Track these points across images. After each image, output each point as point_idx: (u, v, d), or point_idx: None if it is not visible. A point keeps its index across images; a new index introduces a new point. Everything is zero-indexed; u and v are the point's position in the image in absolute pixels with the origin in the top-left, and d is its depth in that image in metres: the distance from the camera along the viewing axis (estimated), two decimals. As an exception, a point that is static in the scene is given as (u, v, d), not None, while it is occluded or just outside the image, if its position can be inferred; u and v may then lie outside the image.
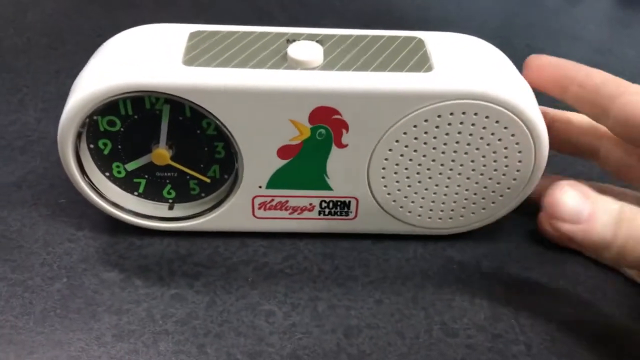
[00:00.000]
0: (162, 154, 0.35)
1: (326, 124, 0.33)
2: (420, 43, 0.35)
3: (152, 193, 0.37)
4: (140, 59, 0.33)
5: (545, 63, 0.35)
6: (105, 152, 0.35)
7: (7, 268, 0.35)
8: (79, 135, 0.34)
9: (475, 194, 0.36)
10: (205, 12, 0.64)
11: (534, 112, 0.33)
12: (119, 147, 0.35)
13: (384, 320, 0.34)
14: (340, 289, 0.36)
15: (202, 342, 0.32)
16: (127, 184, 0.37)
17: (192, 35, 0.34)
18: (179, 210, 0.37)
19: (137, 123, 0.34)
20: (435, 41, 0.35)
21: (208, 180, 0.36)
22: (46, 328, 0.32)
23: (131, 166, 0.36)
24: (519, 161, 0.34)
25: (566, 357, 0.33)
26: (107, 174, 0.36)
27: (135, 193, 0.37)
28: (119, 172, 0.36)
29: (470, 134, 0.33)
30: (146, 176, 0.36)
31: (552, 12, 0.67)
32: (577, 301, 0.36)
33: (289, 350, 0.32)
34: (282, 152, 0.34)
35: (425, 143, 0.34)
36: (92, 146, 0.35)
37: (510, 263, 0.38)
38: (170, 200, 0.37)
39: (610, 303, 0.36)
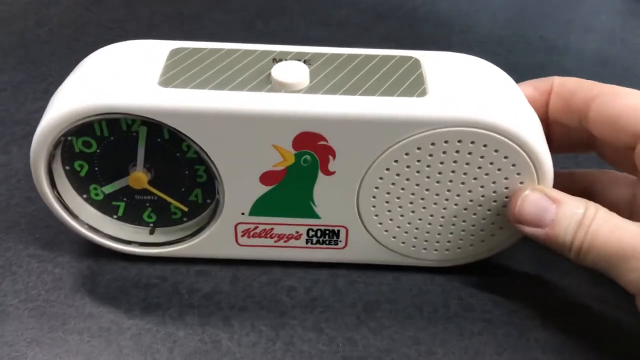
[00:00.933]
0: (139, 177, 0.33)
1: (311, 150, 0.31)
2: (416, 64, 0.32)
3: (132, 216, 0.35)
4: (116, 78, 0.31)
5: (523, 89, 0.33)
6: (82, 174, 0.34)
7: (37, 245, 0.37)
8: (52, 157, 0.32)
9: (473, 225, 0.33)
10: (222, 5, 0.63)
11: (537, 141, 0.31)
12: (96, 169, 0.33)
13: (402, 296, 0.35)
14: (359, 266, 0.36)
15: (227, 315, 0.33)
16: (105, 207, 0.35)
17: (173, 53, 0.32)
18: (160, 235, 0.36)
19: (113, 145, 0.32)
20: (432, 62, 0.33)
21: (185, 209, 0.34)
22: (77, 301, 0.34)
23: (109, 189, 0.34)
24: (521, 192, 0.32)
25: (581, 332, 0.33)
26: (85, 196, 0.35)
27: (115, 216, 0.35)
28: (97, 195, 0.34)
29: (467, 163, 0.31)
30: (125, 199, 0.35)
31: (564, 3, 0.66)
32: (593, 278, 0.36)
33: (311, 322, 0.33)
34: (265, 178, 0.32)
35: (418, 172, 0.31)
36: (67, 168, 0.33)
37: (526, 242, 0.36)
38: (151, 225, 0.36)
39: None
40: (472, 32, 0.60)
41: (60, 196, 0.33)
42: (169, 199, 0.34)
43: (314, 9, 0.63)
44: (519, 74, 0.35)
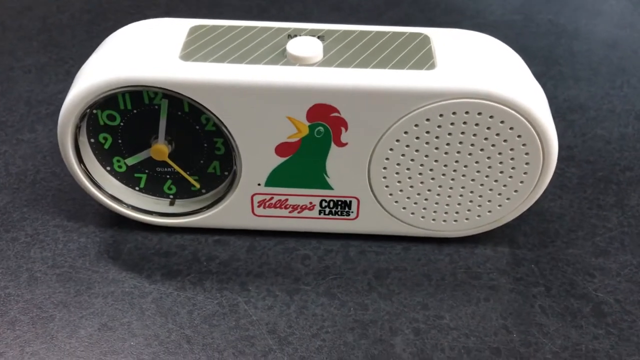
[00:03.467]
0: (160, 149, 0.34)
1: (325, 122, 0.32)
2: (426, 40, 0.34)
3: (153, 188, 0.37)
4: (139, 53, 0.33)
5: None
6: (106, 146, 0.35)
7: (63, 216, 0.39)
8: (78, 129, 0.34)
9: (480, 196, 0.35)
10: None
11: (542, 113, 0.32)
12: (119, 141, 0.35)
13: (411, 264, 0.36)
14: (370, 237, 0.38)
15: (244, 281, 0.35)
16: (128, 178, 0.37)
17: (193, 30, 0.34)
18: (180, 206, 0.37)
19: (136, 117, 0.34)
20: (441, 38, 0.34)
21: (197, 185, 0.36)
22: (101, 268, 0.36)
23: (131, 161, 0.36)
24: (526, 163, 0.33)
25: (583, 299, 0.35)
26: (109, 168, 0.36)
27: (137, 188, 0.37)
28: (120, 167, 0.36)
29: (474, 134, 0.32)
30: (147, 171, 0.36)
31: None
32: (594, 249, 0.37)
33: (324, 288, 0.35)
34: (281, 149, 0.33)
35: (427, 143, 0.33)
36: (92, 140, 0.35)
37: (532, 214, 0.39)
38: (171, 196, 0.37)
39: (633, 248, 0.37)
40: (483, 17, 0.61)
41: (86, 168, 0.35)
42: (183, 173, 0.35)
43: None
44: (529, 57, 0.36)
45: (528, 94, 0.32)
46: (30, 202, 0.40)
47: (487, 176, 0.34)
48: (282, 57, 0.32)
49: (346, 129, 0.32)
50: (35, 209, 0.39)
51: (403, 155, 0.33)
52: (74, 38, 0.57)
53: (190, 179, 0.36)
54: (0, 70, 0.52)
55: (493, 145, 0.33)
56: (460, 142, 0.32)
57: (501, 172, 0.34)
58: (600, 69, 0.54)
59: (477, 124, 0.32)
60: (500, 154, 0.33)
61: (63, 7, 0.61)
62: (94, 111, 0.34)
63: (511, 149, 0.33)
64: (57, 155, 0.42)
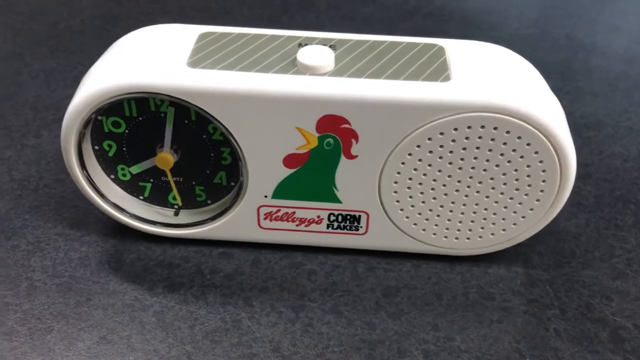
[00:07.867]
0: (166, 158, 0.33)
1: (334, 133, 0.31)
2: (441, 51, 0.33)
3: (158, 198, 0.36)
4: (146, 59, 0.32)
5: None
6: (110, 154, 0.34)
7: (65, 224, 0.38)
8: (82, 135, 0.33)
9: (494, 213, 0.33)
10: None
11: (560, 129, 0.31)
12: (124, 149, 0.34)
13: (421, 283, 0.35)
14: (379, 253, 0.37)
15: (248, 295, 0.34)
16: (132, 187, 0.36)
17: (201, 37, 0.33)
18: (184, 216, 0.36)
19: (142, 125, 0.33)
20: (457, 50, 0.33)
21: (181, 203, 0.36)
22: (102, 278, 0.35)
23: (136, 169, 0.35)
24: (543, 181, 0.32)
25: (600, 323, 0.33)
26: (112, 176, 0.35)
27: (141, 197, 0.36)
28: (124, 175, 0.35)
29: (490, 150, 0.31)
30: (151, 180, 0.35)
31: (591, 2, 0.66)
32: (612, 271, 0.36)
33: (331, 305, 0.34)
34: (289, 161, 0.32)
35: (440, 157, 0.32)
36: (97, 147, 0.34)
37: (547, 233, 0.38)
38: (176, 206, 0.36)
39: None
40: (498, 30, 0.60)
41: (89, 175, 0.34)
42: (173, 187, 0.35)
43: (340, 5, 0.64)
44: (545, 72, 0.35)
45: (546, 109, 0.31)
46: (32, 209, 0.39)
47: (502, 193, 0.33)
48: (292, 66, 0.31)
49: (357, 141, 0.31)
50: (37, 216, 0.38)
51: (415, 169, 0.32)
52: (84, 44, 0.56)
53: (177, 195, 0.35)
54: (8, 75, 0.51)
55: (509, 162, 0.31)
56: (475, 158, 0.31)
57: (517, 190, 0.32)
58: (618, 84, 0.53)
59: (492, 139, 0.31)
60: (516, 170, 0.32)
61: (74, 12, 0.61)
62: (99, 117, 0.33)
63: (528, 166, 0.31)
64: (61, 162, 0.41)
